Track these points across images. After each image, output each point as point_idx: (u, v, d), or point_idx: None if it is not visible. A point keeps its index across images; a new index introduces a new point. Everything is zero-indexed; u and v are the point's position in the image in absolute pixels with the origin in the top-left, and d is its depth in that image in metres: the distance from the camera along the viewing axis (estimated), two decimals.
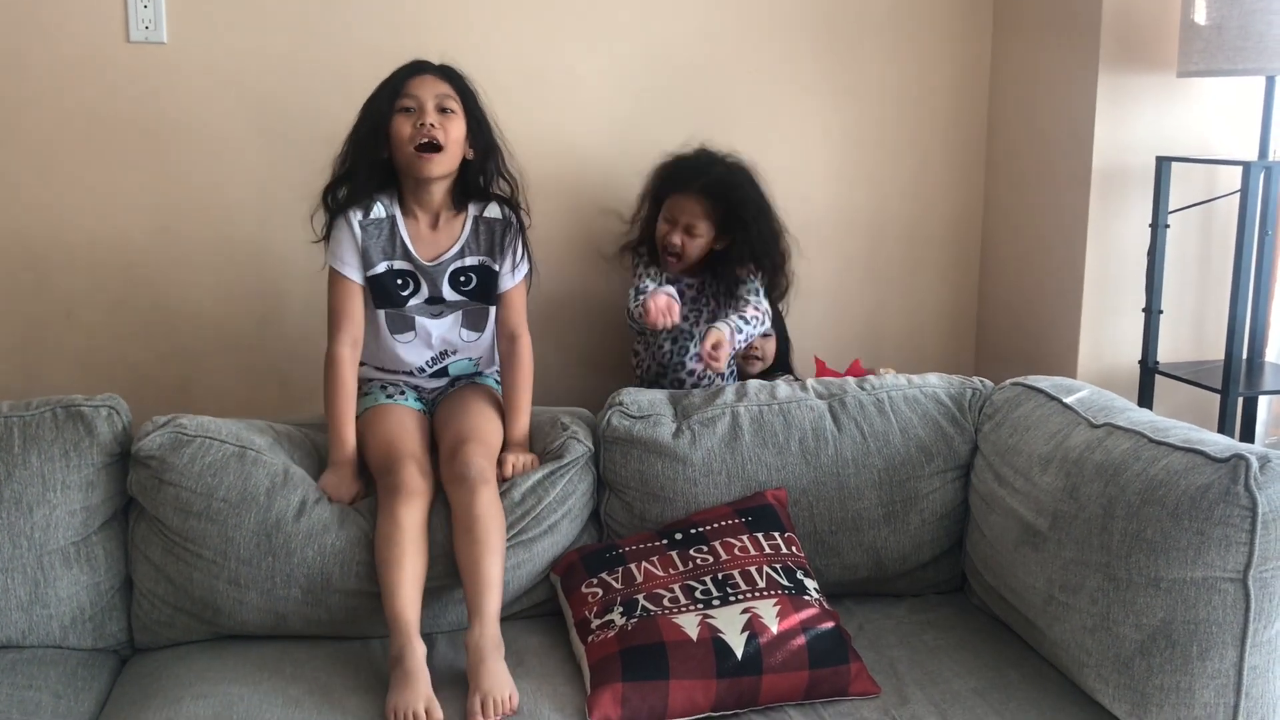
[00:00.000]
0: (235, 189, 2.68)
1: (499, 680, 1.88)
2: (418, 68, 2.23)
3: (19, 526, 2.02)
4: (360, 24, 2.60)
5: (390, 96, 2.20)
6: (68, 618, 2.07)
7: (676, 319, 2.39)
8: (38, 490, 2.04)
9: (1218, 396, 2.52)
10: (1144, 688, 1.80)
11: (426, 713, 1.82)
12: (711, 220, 2.53)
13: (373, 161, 2.22)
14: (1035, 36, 2.83)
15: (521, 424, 2.30)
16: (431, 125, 2.17)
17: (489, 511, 2.08)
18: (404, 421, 2.25)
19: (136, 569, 2.12)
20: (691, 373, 2.59)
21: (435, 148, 2.18)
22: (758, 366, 2.65)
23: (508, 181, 2.31)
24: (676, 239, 2.53)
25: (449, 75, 2.24)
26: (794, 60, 2.89)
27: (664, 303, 2.37)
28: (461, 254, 2.28)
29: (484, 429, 2.22)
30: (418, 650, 1.93)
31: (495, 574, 2.03)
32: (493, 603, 2.00)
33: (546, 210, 2.52)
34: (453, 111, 2.21)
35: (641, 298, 2.43)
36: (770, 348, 2.66)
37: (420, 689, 1.85)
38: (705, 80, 2.85)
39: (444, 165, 2.21)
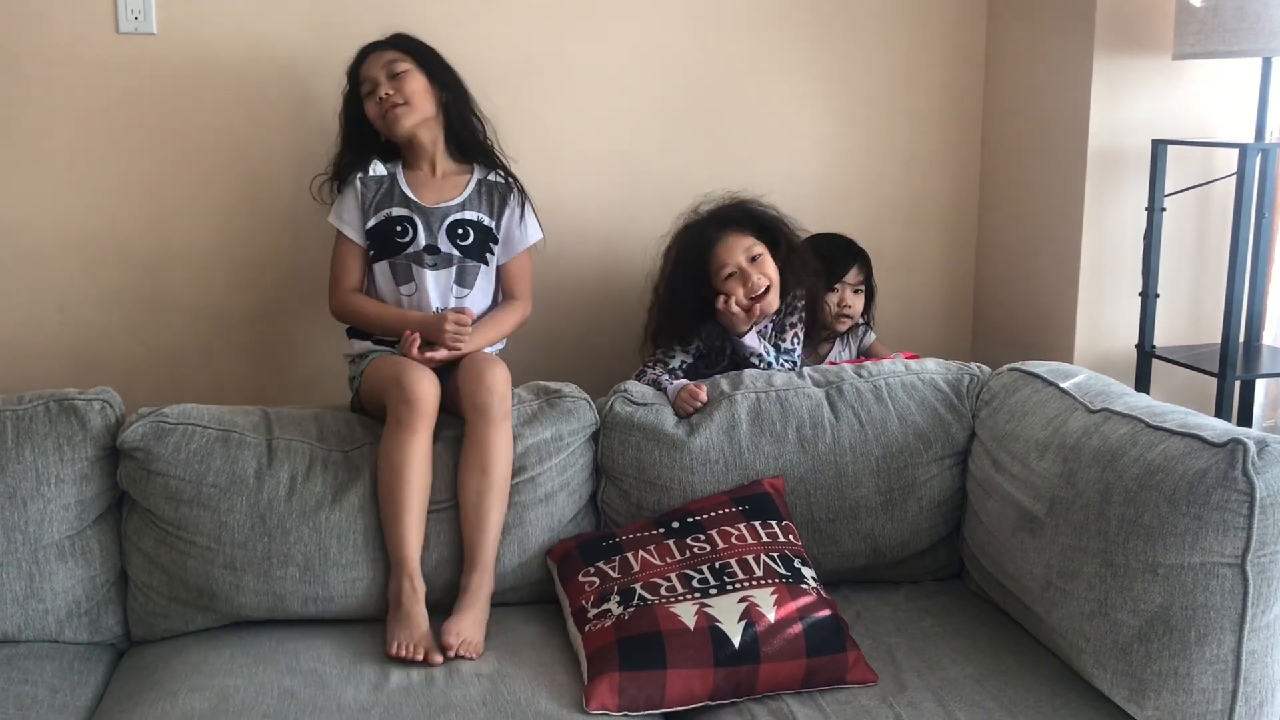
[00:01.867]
0: (226, 180, 2.66)
1: (474, 630, 2.02)
2: (364, 52, 2.36)
3: (13, 521, 2.02)
4: (350, 13, 2.58)
5: (353, 91, 2.36)
6: (63, 612, 2.07)
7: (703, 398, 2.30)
8: (31, 484, 2.03)
9: (1215, 380, 2.51)
10: (1142, 674, 1.79)
11: (426, 654, 1.95)
12: (758, 237, 2.41)
13: (365, 139, 2.38)
14: (1030, 19, 2.82)
15: (474, 342, 2.28)
16: (386, 95, 2.30)
17: (504, 452, 2.13)
18: (409, 360, 2.23)
19: (130, 562, 2.12)
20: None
21: (397, 105, 2.30)
22: (846, 324, 2.70)
23: (480, 121, 2.42)
24: (754, 280, 2.36)
25: (393, 42, 2.36)
26: (788, 45, 2.87)
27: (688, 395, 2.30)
28: (463, 206, 2.36)
29: (500, 367, 2.21)
30: (418, 588, 2.05)
31: (498, 522, 2.12)
32: (490, 553, 2.11)
33: (540, 199, 2.51)
34: (403, 70, 2.32)
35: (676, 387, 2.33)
36: (859, 309, 2.71)
37: (418, 628, 2.00)
38: (698, 67, 2.83)
39: (411, 116, 2.32)
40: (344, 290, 2.36)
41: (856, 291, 2.71)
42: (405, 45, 2.36)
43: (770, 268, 2.41)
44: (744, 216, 2.46)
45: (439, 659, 1.96)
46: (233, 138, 2.65)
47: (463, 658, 1.97)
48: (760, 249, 2.41)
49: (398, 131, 2.32)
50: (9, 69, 2.53)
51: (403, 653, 1.96)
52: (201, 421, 2.12)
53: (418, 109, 2.32)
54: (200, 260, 2.68)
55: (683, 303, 2.42)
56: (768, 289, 2.39)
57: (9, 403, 2.09)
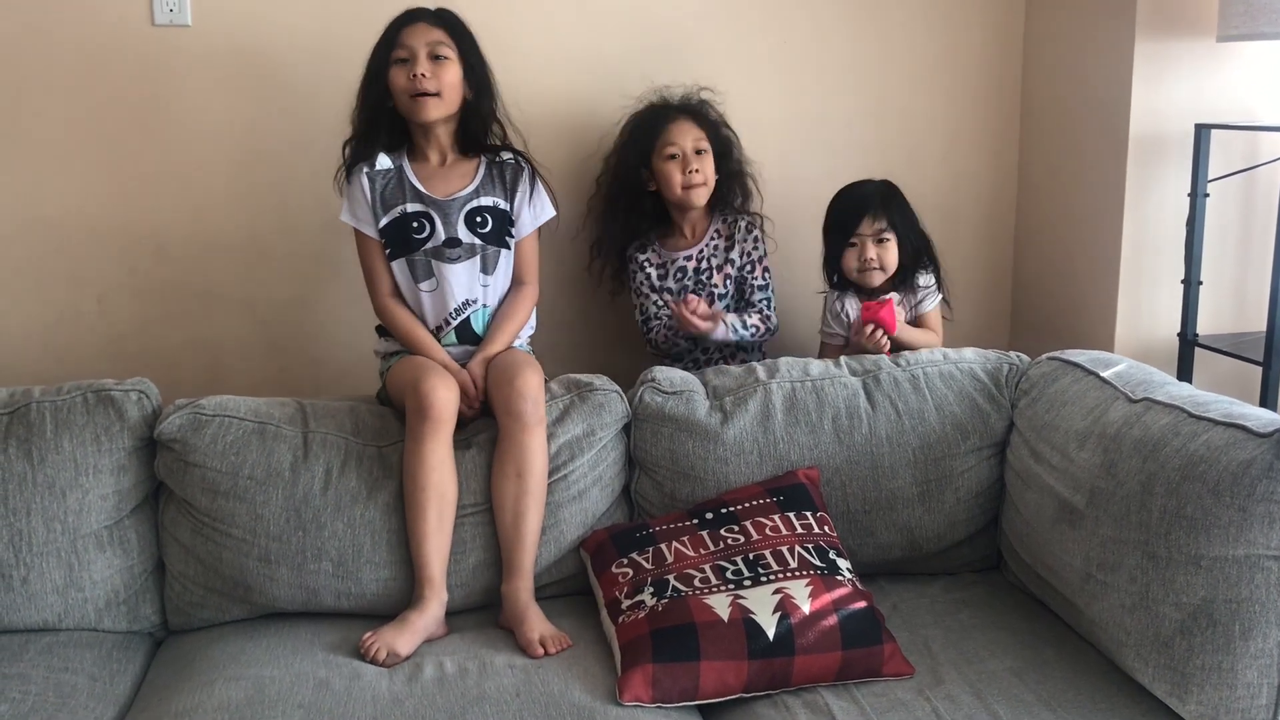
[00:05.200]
0: (262, 171, 2.67)
1: (547, 625, 2.03)
2: (411, 16, 2.29)
3: (53, 511, 2.04)
4: (386, 4, 2.58)
5: (385, 48, 2.27)
6: (102, 601, 2.09)
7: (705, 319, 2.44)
8: (70, 475, 2.05)
9: (1259, 369, 2.47)
10: (1184, 668, 1.76)
11: (384, 662, 1.94)
12: (709, 136, 2.54)
13: (378, 112, 2.30)
14: (1070, 1, 2.78)
15: (495, 345, 2.28)
16: (422, 75, 2.23)
17: (540, 456, 2.12)
18: (434, 363, 2.24)
19: (167, 551, 2.14)
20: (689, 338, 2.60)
21: (428, 94, 2.24)
22: (878, 277, 2.52)
23: (500, 124, 2.37)
24: (695, 164, 2.50)
25: (443, 20, 2.29)
26: (822, 30, 2.85)
27: (703, 309, 2.43)
28: (477, 193, 2.32)
29: (533, 369, 2.20)
30: (429, 599, 2.04)
31: (536, 527, 2.11)
32: (530, 557, 2.11)
33: (563, 183, 2.52)
34: (446, 58, 2.26)
35: (667, 308, 2.48)
36: (890, 258, 2.52)
37: (402, 639, 1.97)
38: (733, 53, 2.81)
39: (440, 109, 2.26)
40: (383, 295, 2.32)
41: (881, 241, 2.51)
42: (454, 29, 2.29)
43: (710, 169, 2.54)
44: (701, 110, 2.58)
45: (395, 661, 1.95)
46: (267, 129, 2.65)
47: (561, 651, 1.98)
48: (707, 146, 2.54)
49: (421, 117, 2.26)
50: (46, 61, 2.55)
51: (370, 647, 1.95)
52: (238, 413, 2.13)
53: (447, 102, 2.26)
54: (235, 252, 2.70)
55: (625, 180, 2.57)
56: (701, 186, 2.52)
57: (48, 394, 2.11)
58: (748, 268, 2.60)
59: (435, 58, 2.24)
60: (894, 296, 2.51)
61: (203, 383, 2.64)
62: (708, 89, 2.62)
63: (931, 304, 2.58)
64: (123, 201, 2.64)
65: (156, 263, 2.67)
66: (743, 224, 2.62)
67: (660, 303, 2.59)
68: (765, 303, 2.59)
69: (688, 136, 2.52)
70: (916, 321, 2.59)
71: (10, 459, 2.04)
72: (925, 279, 2.57)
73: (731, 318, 2.53)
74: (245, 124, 2.65)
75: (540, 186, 2.37)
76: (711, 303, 2.58)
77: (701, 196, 2.55)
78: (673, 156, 2.52)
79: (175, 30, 2.58)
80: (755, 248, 2.60)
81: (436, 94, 2.24)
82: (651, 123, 2.55)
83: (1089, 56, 2.72)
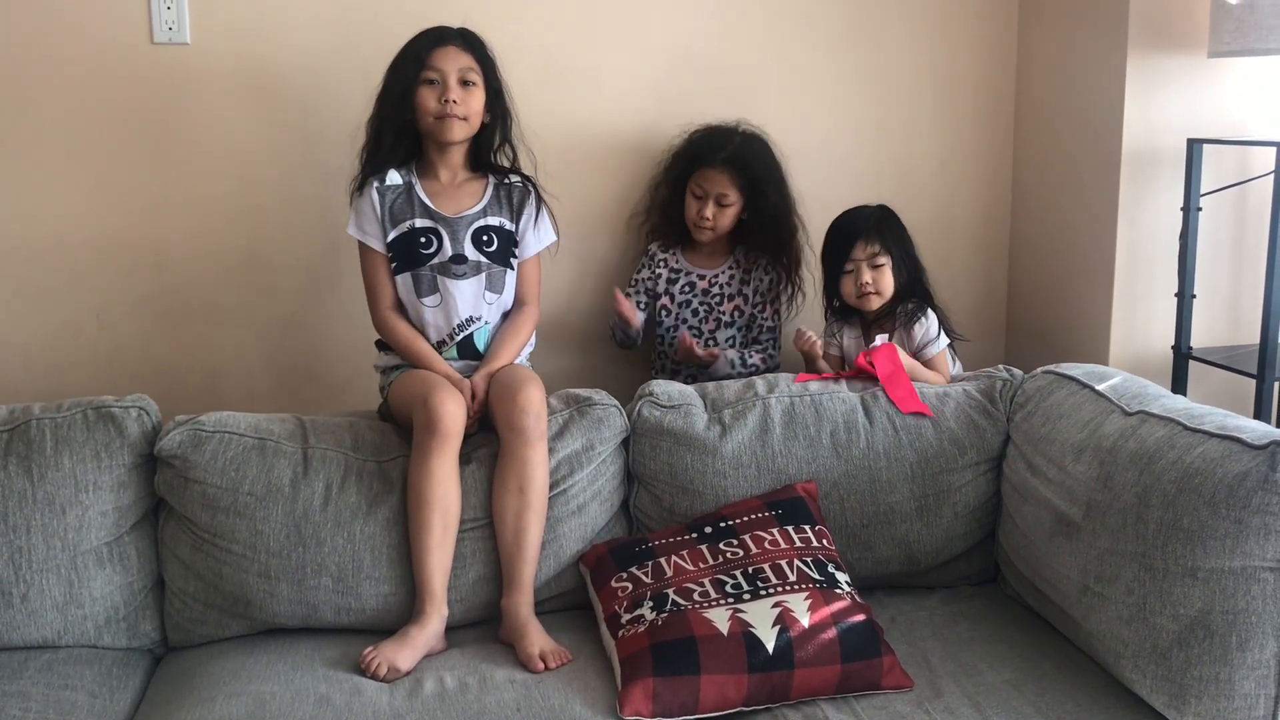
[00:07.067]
0: (260, 187, 2.68)
1: (547, 640, 2.03)
2: (441, 37, 2.31)
3: (53, 528, 2.04)
4: (383, 20, 2.60)
5: (415, 67, 2.29)
6: (102, 617, 2.09)
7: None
8: (70, 491, 2.05)
9: (1253, 382, 2.48)
10: (1182, 679, 1.77)
11: (384, 677, 1.94)
12: (739, 190, 2.61)
13: (399, 125, 2.32)
14: (1063, 18, 2.80)
15: (499, 361, 2.29)
16: (454, 102, 2.27)
17: (541, 471, 2.12)
18: (438, 376, 2.24)
19: (167, 568, 2.14)
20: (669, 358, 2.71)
21: (456, 117, 2.28)
22: (876, 302, 2.51)
23: (513, 147, 2.41)
24: (709, 212, 2.61)
25: (470, 45, 2.32)
26: (819, 48, 2.86)
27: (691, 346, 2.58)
28: (485, 213, 2.34)
29: (535, 384, 2.20)
30: (430, 613, 2.04)
31: (537, 541, 2.12)
32: (530, 572, 2.12)
33: (565, 204, 2.52)
34: (474, 84, 2.30)
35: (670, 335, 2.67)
36: (886, 282, 2.51)
37: (402, 654, 1.97)
38: (730, 70, 2.82)
39: (464, 131, 2.31)
40: (383, 309, 2.33)
41: (876, 266, 2.50)
42: (482, 57, 2.32)
43: (727, 220, 2.63)
44: (745, 163, 2.62)
45: (396, 675, 1.95)
46: (266, 145, 2.66)
47: (561, 665, 1.99)
48: (732, 200, 2.61)
49: (446, 138, 2.29)
50: (46, 79, 2.56)
51: (370, 662, 1.95)
52: (238, 429, 2.13)
53: (470, 126, 2.31)
54: (235, 267, 2.71)
55: (668, 198, 2.72)
56: (710, 229, 2.63)
57: (48, 410, 2.12)
58: (759, 306, 2.68)
59: (464, 83, 2.28)
60: (884, 339, 2.44)
61: (202, 398, 2.64)
62: (748, 123, 2.69)
63: (934, 351, 2.50)
64: (122, 217, 2.64)
65: (156, 278, 2.68)
66: (763, 262, 2.69)
67: (643, 303, 2.70)
68: (771, 342, 2.69)
69: (715, 184, 2.61)
70: (922, 361, 2.50)
71: (10, 476, 2.04)
72: (921, 327, 2.49)
73: (732, 353, 2.63)
74: (244, 139, 2.65)
75: (545, 211, 2.40)
76: (717, 328, 2.68)
77: (708, 238, 2.66)
78: (697, 196, 2.64)
79: (174, 48, 2.59)
80: (770, 288, 2.68)
81: (464, 118, 2.28)
82: (694, 158, 2.66)
83: (1082, 72, 2.74)
